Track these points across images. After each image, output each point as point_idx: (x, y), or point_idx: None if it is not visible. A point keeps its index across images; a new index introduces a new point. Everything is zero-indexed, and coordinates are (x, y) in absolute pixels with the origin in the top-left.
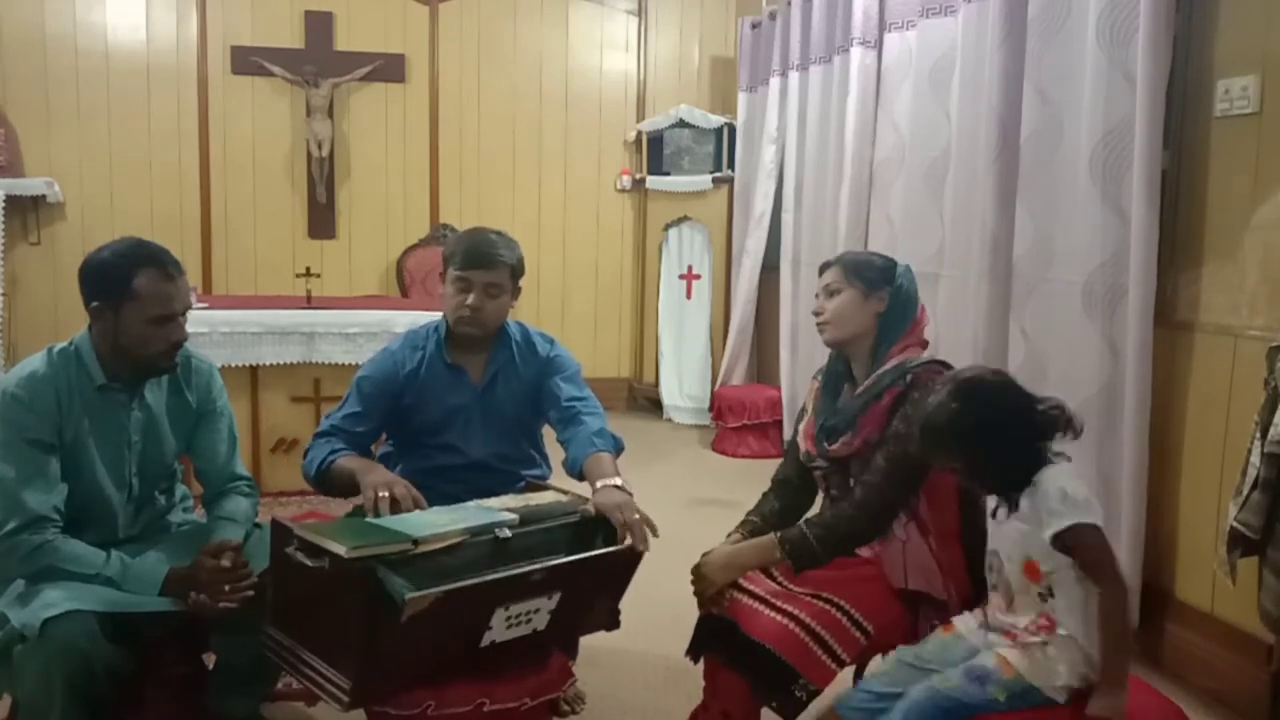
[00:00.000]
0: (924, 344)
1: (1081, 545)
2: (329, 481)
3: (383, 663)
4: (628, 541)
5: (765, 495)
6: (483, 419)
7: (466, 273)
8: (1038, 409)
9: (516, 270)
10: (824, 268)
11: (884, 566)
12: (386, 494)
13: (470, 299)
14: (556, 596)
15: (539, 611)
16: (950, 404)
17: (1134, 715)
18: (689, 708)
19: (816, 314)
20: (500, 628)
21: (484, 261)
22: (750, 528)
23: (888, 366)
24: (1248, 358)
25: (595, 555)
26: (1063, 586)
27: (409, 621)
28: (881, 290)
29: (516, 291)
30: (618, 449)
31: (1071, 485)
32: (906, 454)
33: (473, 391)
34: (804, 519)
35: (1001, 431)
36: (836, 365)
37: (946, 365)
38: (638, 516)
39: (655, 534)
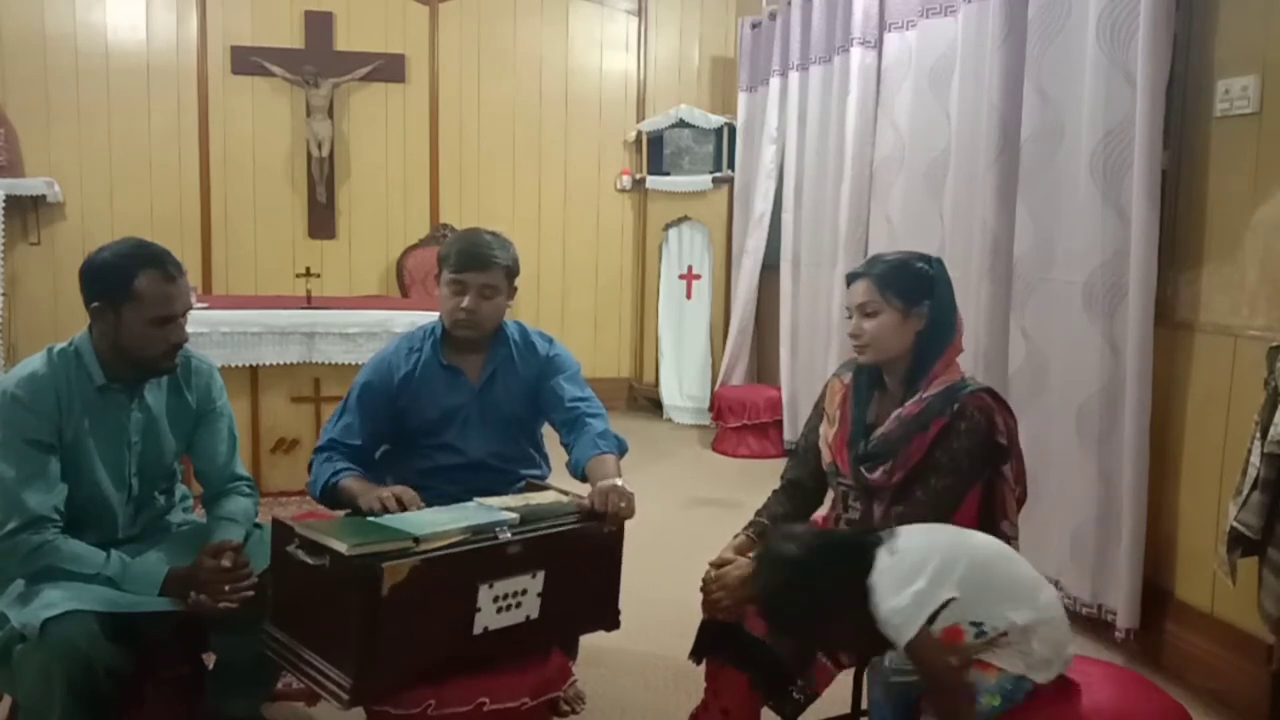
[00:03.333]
0: (960, 350)
1: (918, 663)
2: (334, 502)
3: (382, 658)
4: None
5: (774, 495)
6: (481, 419)
7: (461, 275)
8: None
9: (511, 270)
10: (853, 277)
11: None
12: (390, 494)
13: (465, 301)
14: (540, 575)
15: (527, 593)
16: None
17: (1135, 715)
18: (690, 707)
19: (854, 335)
20: (489, 610)
21: (478, 263)
22: (758, 529)
23: (934, 392)
24: (1248, 358)
25: (568, 529)
26: (993, 654)
27: (393, 596)
28: (920, 306)
29: (512, 291)
30: (621, 450)
31: (886, 602)
32: (949, 489)
33: (470, 391)
34: None
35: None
36: (866, 367)
37: (993, 393)
38: (624, 504)
39: (629, 504)
